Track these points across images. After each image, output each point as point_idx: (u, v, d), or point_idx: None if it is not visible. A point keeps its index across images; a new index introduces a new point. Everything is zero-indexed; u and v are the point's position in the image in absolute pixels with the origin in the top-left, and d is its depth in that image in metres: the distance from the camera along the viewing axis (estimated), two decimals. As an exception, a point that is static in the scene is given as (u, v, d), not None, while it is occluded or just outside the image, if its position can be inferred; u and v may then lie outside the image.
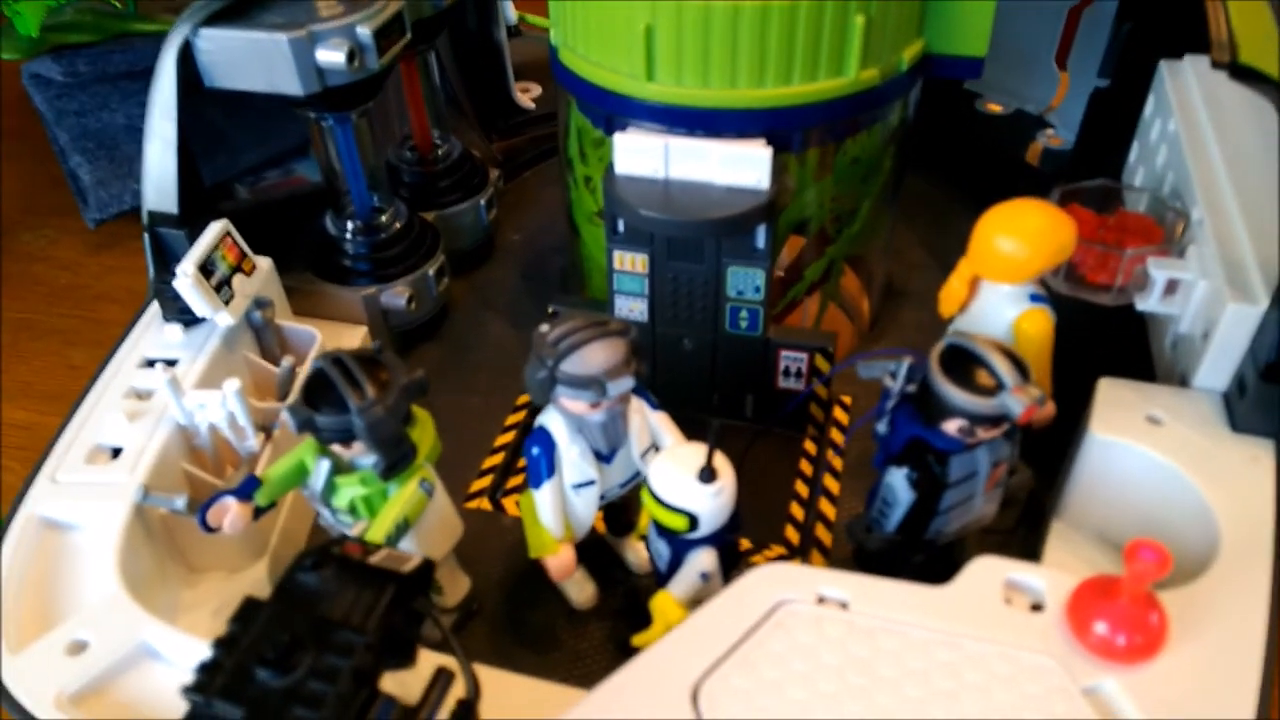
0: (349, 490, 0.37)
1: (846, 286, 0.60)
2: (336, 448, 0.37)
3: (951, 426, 0.36)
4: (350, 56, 0.47)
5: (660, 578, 0.40)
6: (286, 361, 0.48)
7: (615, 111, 0.50)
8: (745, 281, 0.50)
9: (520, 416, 0.56)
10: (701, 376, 0.55)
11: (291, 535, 0.47)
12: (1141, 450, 0.41)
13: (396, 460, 0.37)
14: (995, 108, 0.77)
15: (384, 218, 0.58)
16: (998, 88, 0.77)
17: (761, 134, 0.47)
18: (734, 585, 0.36)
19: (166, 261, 0.51)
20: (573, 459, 0.39)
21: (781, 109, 0.47)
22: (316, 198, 0.64)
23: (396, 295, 0.57)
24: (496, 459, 0.53)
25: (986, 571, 0.36)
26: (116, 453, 0.43)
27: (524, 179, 0.77)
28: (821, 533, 0.49)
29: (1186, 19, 0.61)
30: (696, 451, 0.37)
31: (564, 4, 0.50)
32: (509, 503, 0.51)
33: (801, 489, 0.52)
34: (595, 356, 0.37)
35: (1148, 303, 0.46)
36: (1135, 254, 0.46)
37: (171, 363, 0.46)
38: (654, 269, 0.51)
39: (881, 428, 0.39)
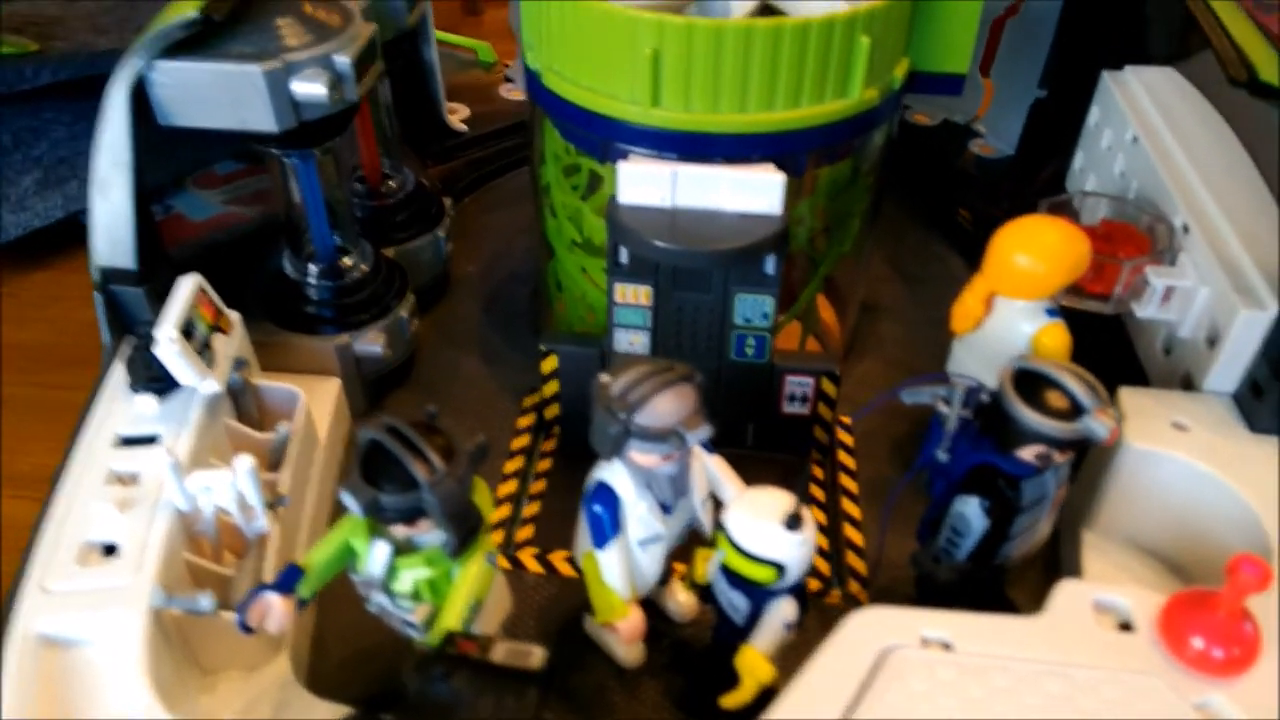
0: (412, 573, 0.34)
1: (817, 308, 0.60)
2: (399, 528, 0.33)
3: (1029, 453, 0.36)
4: (331, 88, 0.43)
5: (736, 632, 0.38)
6: (283, 427, 0.44)
7: (613, 139, 0.47)
8: (753, 309, 0.49)
9: (518, 464, 0.53)
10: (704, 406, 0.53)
11: (303, 623, 0.42)
12: (1175, 457, 0.42)
13: (466, 535, 0.33)
14: (923, 119, 0.79)
15: (349, 259, 0.53)
16: (924, 99, 0.79)
17: (769, 158, 0.46)
18: (836, 635, 0.34)
19: (123, 323, 0.46)
20: (640, 514, 0.37)
21: (789, 132, 0.46)
22: (256, 237, 0.59)
23: (370, 342, 0.53)
24: (503, 511, 0.50)
25: (1073, 596, 0.36)
26: (109, 550, 0.37)
27: (463, 205, 0.74)
28: (853, 560, 0.48)
29: (1120, 32, 0.64)
30: (773, 498, 0.36)
31: (549, 27, 0.47)
32: (525, 557, 0.48)
33: (819, 515, 0.51)
34: (668, 406, 0.35)
35: (1146, 310, 0.48)
36: (1135, 264, 0.47)
37: (151, 439, 0.41)
38: (658, 300, 0.49)
39: (942, 455, 0.39)
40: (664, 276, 0.48)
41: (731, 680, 0.41)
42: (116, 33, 0.96)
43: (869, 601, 0.46)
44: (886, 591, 0.46)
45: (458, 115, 0.77)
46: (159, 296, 0.46)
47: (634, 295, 0.49)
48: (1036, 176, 0.71)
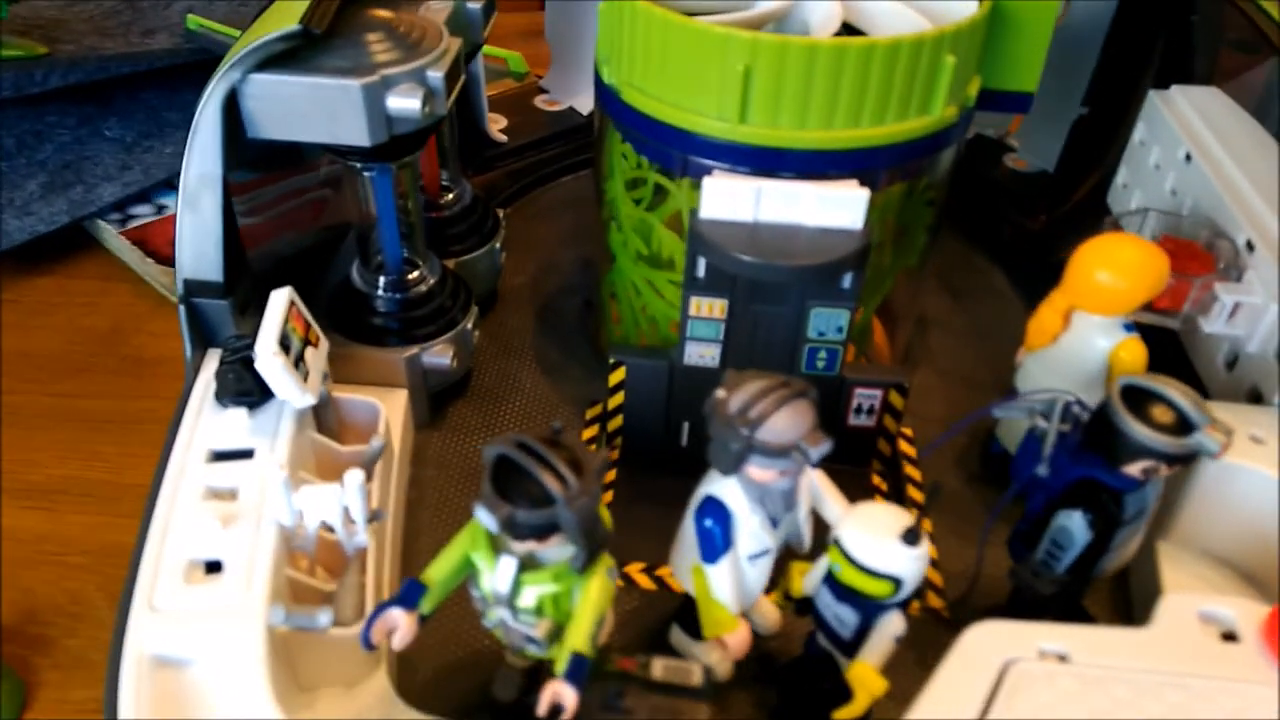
0: (537, 588, 0.34)
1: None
2: (529, 543, 0.33)
3: (1136, 468, 0.37)
4: (424, 102, 0.43)
5: (840, 645, 0.38)
6: (376, 441, 0.43)
7: (694, 154, 0.48)
8: (828, 322, 0.49)
9: (588, 475, 0.53)
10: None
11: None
12: (1254, 470, 0.43)
13: (595, 550, 0.33)
14: (956, 132, 0.80)
15: (417, 272, 0.53)
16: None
17: (850, 174, 0.47)
18: (955, 650, 0.35)
19: (205, 336, 0.45)
20: (752, 529, 0.37)
21: (873, 149, 0.47)
22: (319, 248, 0.59)
23: (439, 354, 0.52)
24: (579, 524, 0.50)
25: (1181, 607, 0.37)
26: (211, 566, 0.37)
27: (506, 216, 0.73)
28: (930, 574, 0.48)
29: (1164, 51, 0.65)
30: (887, 512, 0.36)
31: (632, 43, 0.48)
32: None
33: (891, 527, 0.51)
34: (789, 421, 0.35)
35: (1214, 325, 0.49)
36: (1204, 280, 0.48)
37: (247, 453, 0.41)
38: (733, 313, 0.49)
39: (1042, 470, 0.40)
40: (741, 290, 0.48)
41: (824, 692, 0.42)
42: (122, 36, 0.96)
43: (947, 613, 0.47)
44: (961, 604, 0.47)
45: (496, 125, 0.77)
46: (240, 309, 0.46)
47: (709, 309, 0.50)
48: (1075, 191, 0.72)
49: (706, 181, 0.46)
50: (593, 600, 0.34)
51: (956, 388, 0.61)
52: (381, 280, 0.52)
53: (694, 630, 0.44)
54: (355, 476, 0.37)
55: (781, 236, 0.46)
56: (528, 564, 0.34)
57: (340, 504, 0.38)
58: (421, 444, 0.54)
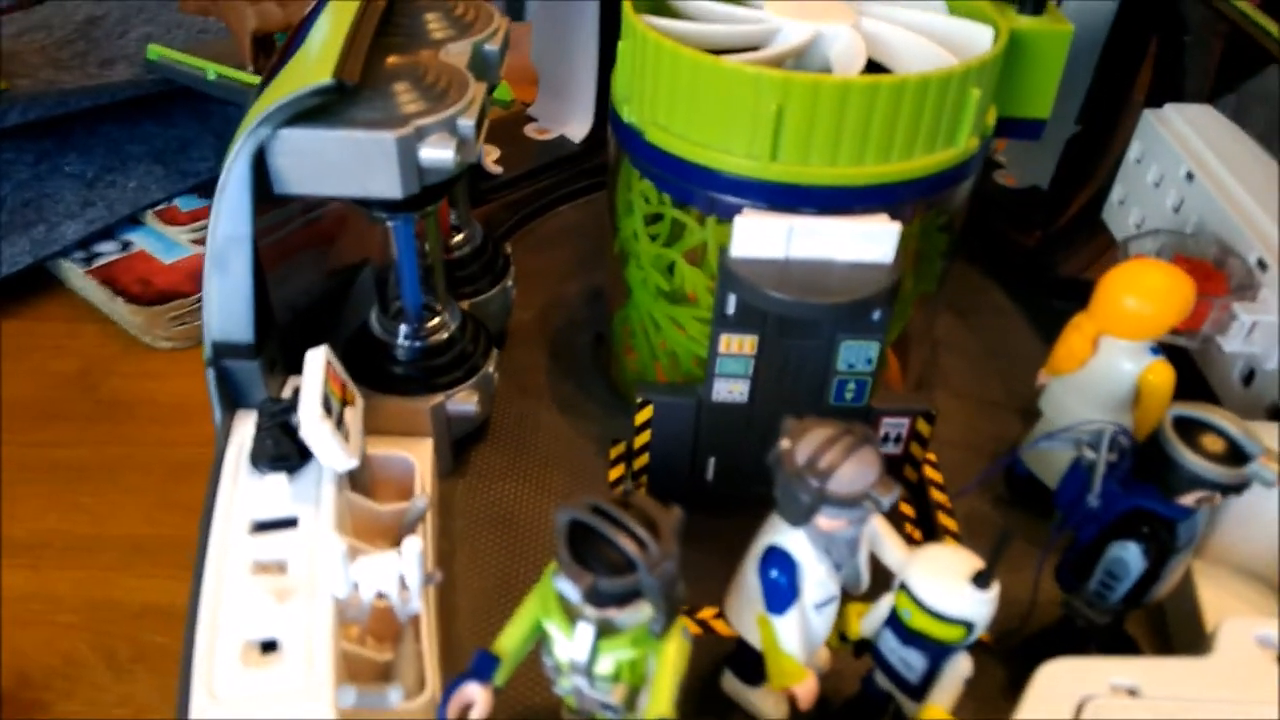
0: (615, 654, 0.33)
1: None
2: (609, 610, 0.32)
3: (1191, 498, 0.37)
4: (456, 151, 0.42)
5: (909, 689, 0.38)
6: (421, 501, 0.42)
7: (725, 193, 0.48)
8: (858, 355, 0.50)
9: (621, 516, 0.52)
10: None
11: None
12: (1288, 487, 0.44)
13: (674, 612, 0.33)
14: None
15: (438, 318, 0.52)
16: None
17: (881, 208, 0.47)
18: (1032, 688, 0.35)
19: (233, 398, 0.44)
20: (819, 578, 0.37)
21: (902, 183, 0.47)
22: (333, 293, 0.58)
23: (464, 401, 0.52)
24: (618, 569, 0.50)
25: (1237, 633, 0.37)
26: (266, 646, 0.36)
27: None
28: (971, 600, 0.49)
29: (1156, 70, 0.67)
30: (954, 555, 0.36)
31: (656, 83, 0.47)
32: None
33: (923, 554, 0.51)
34: (858, 470, 0.35)
35: (1233, 344, 0.50)
36: (1223, 301, 0.49)
37: (291, 522, 0.40)
38: (763, 349, 0.49)
39: (1093, 500, 0.40)
40: (771, 325, 0.48)
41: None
42: (79, 68, 0.93)
43: (992, 642, 0.47)
44: (1006, 633, 0.47)
45: (491, 157, 0.76)
46: (269, 368, 0.44)
47: (739, 345, 0.49)
48: (1068, 207, 0.73)
49: (738, 220, 0.46)
50: (672, 663, 0.34)
51: (972, 409, 0.61)
52: (403, 328, 0.51)
53: (747, 675, 0.44)
54: (414, 545, 0.36)
55: (813, 273, 0.46)
56: (604, 630, 0.33)
57: (397, 572, 0.37)
58: (447, 493, 0.53)
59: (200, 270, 0.68)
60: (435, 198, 0.46)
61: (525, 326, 0.65)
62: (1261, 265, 0.51)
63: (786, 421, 0.37)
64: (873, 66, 0.50)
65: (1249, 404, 0.51)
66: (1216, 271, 0.53)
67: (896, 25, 0.50)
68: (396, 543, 0.43)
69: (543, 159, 0.78)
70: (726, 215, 0.48)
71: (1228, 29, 0.59)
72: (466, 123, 0.43)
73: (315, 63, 0.41)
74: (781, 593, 0.37)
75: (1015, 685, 0.42)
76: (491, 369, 0.54)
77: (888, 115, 0.44)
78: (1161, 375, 0.47)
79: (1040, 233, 0.74)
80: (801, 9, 0.51)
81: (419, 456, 0.49)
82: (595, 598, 0.32)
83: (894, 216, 0.47)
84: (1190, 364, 0.56)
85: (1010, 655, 0.46)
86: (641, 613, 0.33)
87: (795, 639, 0.38)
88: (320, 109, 0.41)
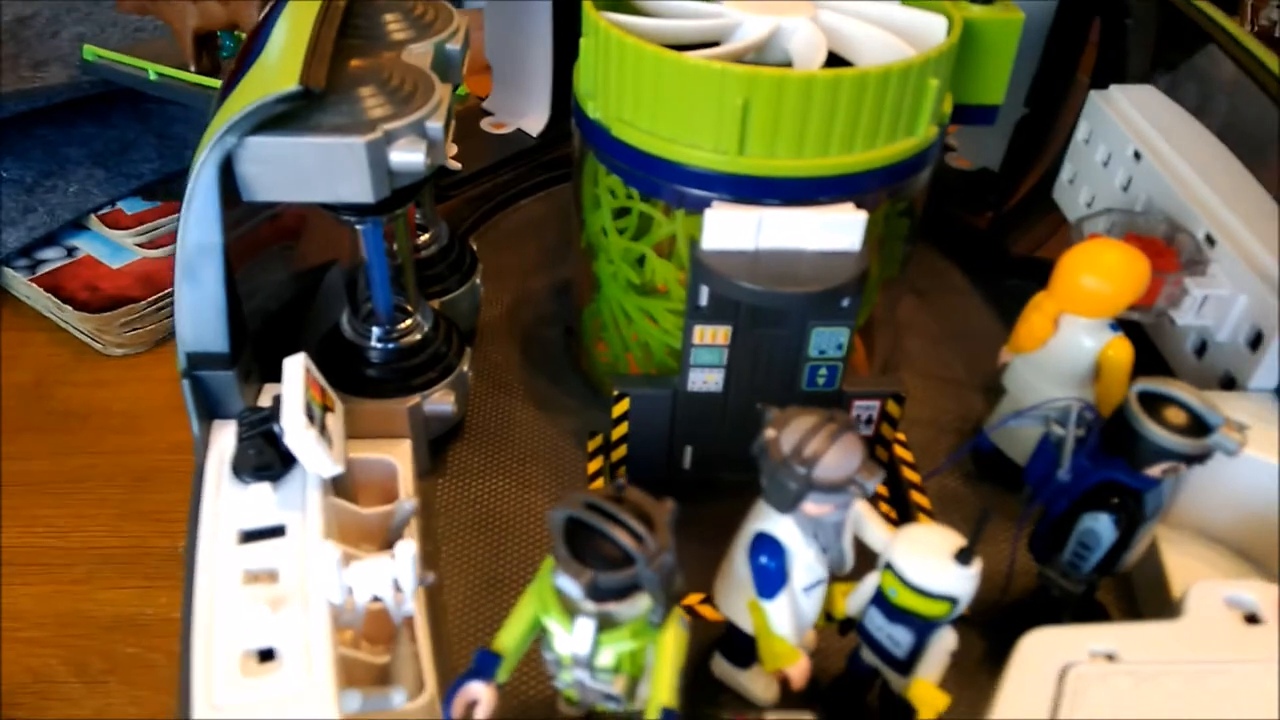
0: (615, 646, 0.34)
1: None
2: (609, 604, 0.33)
3: (1158, 469, 0.39)
4: (426, 154, 0.42)
5: (896, 664, 0.39)
6: (410, 503, 0.43)
7: (693, 186, 0.48)
8: (829, 340, 0.51)
9: (602, 510, 0.53)
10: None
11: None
12: (1246, 454, 0.46)
13: (671, 603, 0.34)
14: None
15: (410, 320, 0.52)
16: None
17: (847, 197, 0.48)
18: (1015, 659, 0.36)
19: (209, 409, 0.44)
20: (808, 561, 0.38)
21: (865, 172, 0.48)
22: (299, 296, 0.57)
23: (440, 401, 0.52)
24: (602, 561, 0.50)
25: (1207, 595, 0.39)
26: (264, 655, 0.36)
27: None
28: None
29: (1099, 53, 0.69)
30: (935, 534, 0.37)
31: (621, 79, 0.48)
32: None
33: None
34: (843, 456, 0.36)
35: (1186, 318, 0.52)
36: (1176, 277, 0.51)
37: (278, 530, 0.39)
38: (736, 338, 0.50)
39: (1064, 475, 0.41)
40: (744, 316, 0.49)
41: (872, 708, 0.43)
42: (11, 70, 0.90)
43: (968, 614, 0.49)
44: (989, 607, 0.48)
45: (449, 152, 0.75)
46: (244, 377, 0.44)
47: (712, 336, 0.50)
48: (1019, 188, 0.75)
49: (708, 214, 0.46)
50: (671, 652, 0.34)
51: (936, 388, 0.63)
52: (375, 331, 0.51)
53: (737, 659, 0.45)
54: (408, 548, 0.36)
55: (784, 263, 0.47)
56: (604, 623, 0.34)
57: (391, 576, 0.37)
58: (427, 493, 0.53)
59: (149, 273, 0.68)
60: (404, 200, 0.46)
61: (494, 323, 0.65)
62: (1209, 240, 0.53)
63: (769, 411, 0.38)
64: (832, 58, 0.51)
65: (1202, 374, 0.53)
66: (1167, 248, 0.54)
67: (853, 18, 0.51)
68: (382, 546, 0.44)
69: (501, 153, 0.78)
70: (695, 208, 0.49)
71: (1165, 10, 0.61)
72: (435, 125, 0.43)
73: (279, 68, 0.41)
74: (772, 578, 0.38)
75: (993, 656, 0.44)
76: (466, 368, 0.54)
77: (851, 107, 0.45)
78: (1121, 350, 0.48)
79: (993, 213, 0.75)
80: (758, 3, 0.52)
81: (400, 458, 0.49)
82: (595, 593, 0.32)
83: (859, 205, 0.48)
84: (1144, 338, 0.58)
85: (988, 627, 0.47)
86: (639, 605, 0.34)
87: (786, 622, 0.39)
88: (286, 115, 0.40)
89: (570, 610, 0.34)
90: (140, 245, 0.72)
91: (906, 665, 0.39)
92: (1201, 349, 0.54)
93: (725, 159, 0.46)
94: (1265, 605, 0.38)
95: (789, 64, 0.50)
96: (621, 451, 0.55)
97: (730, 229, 0.47)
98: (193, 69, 0.78)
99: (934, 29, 0.51)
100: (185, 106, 0.81)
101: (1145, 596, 0.48)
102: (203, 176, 0.40)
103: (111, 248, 0.73)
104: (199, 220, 0.40)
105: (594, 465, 0.56)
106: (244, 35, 0.77)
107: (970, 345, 0.66)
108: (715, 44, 0.50)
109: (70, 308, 0.65)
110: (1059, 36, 0.68)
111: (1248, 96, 0.56)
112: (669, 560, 0.32)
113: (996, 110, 0.55)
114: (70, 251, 0.72)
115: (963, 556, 0.36)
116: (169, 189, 0.77)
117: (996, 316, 0.69)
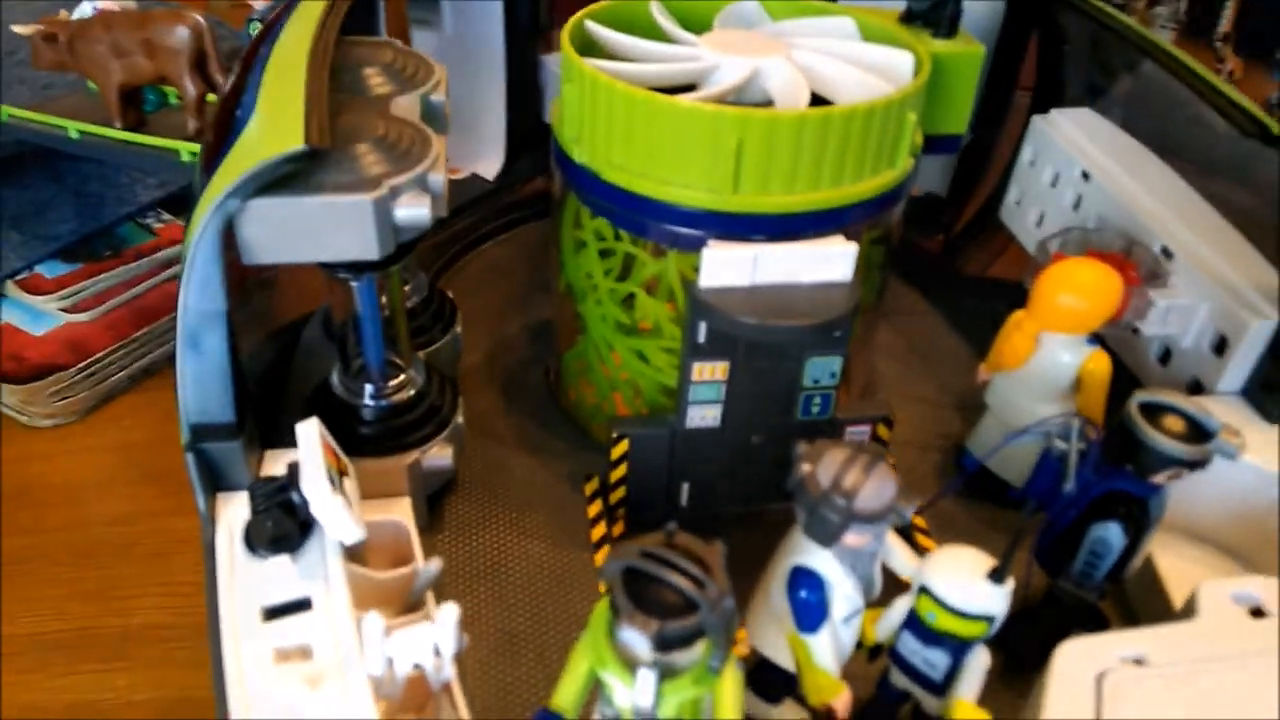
0: (678, 695, 0.33)
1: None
2: (671, 654, 0.33)
3: (1162, 476, 0.41)
4: (430, 208, 0.42)
5: (932, 687, 0.40)
6: (434, 564, 0.41)
7: (687, 226, 0.49)
8: (822, 370, 0.52)
9: (604, 555, 0.53)
10: (766, 468, 0.55)
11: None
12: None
13: (730, 647, 0.34)
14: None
15: (403, 374, 0.51)
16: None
17: (835, 230, 0.49)
18: (1053, 671, 0.37)
19: (214, 481, 0.42)
20: (846, 592, 0.39)
21: (851, 205, 0.49)
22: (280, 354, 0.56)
23: (439, 456, 0.51)
24: (616, 605, 0.50)
25: (1216, 593, 0.41)
26: (306, 735, 0.34)
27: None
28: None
29: (1038, 78, 0.72)
30: (966, 554, 0.38)
31: (610, 124, 0.48)
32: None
33: (900, 554, 0.54)
34: (880, 486, 0.37)
35: (1152, 328, 0.54)
36: (1140, 290, 0.54)
37: (304, 604, 0.38)
38: (733, 373, 0.51)
39: (1070, 487, 0.43)
40: (741, 350, 0.50)
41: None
42: None
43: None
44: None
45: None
46: (248, 446, 0.43)
47: (711, 372, 0.51)
48: (965, 211, 0.78)
49: (706, 252, 0.47)
50: (733, 696, 0.34)
51: (913, 408, 0.64)
52: (368, 388, 0.50)
53: (765, 693, 0.45)
54: (451, 612, 0.36)
55: (780, 296, 0.48)
56: (665, 672, 0.34)
57: (432, 642, 0.36)
58: (427, 549, 0.52)
59: (75, 339, 0.65)
60: (402, 255, 0.46)
61: (475, 370, 0.65)
62: (1166, 253, 0.56)
63: (799, 445, 0.39)
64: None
65: (1168, 381, 0.56)
66: (1127, 262, 0.57)
67: (826, 56, 0.53)
68: (400, 610, 0.43)
69: (459, 199, 0.77)
70: (688, 247, 0.49)
71: (1099, 34, 0.65)
72: (437, 178, 0.42)
73: (276, 128, 0.40)
74: (813, 611, 0.38)
75: (1010, 669, 0.45)
76: (460, 419, 0.53)
77: (839, 143, 0.46)
78: (1100, 364, 0.51)
79: (943, 236, 0.78)
80: (730, 44, 0.53)
81: (405, 517, 0.48)
82: (662, 643, 0.32)
83: (846, 237, 0.49)
84: (1108, 349, 0.60)
85: (997, 640, 0.48)
86: (698, 651, 0.34)
87: (829, 655, 0.39)
88: (288, 176, 0.40)
89: (628, 662, 0.34)
90: (64, 310, 0.68)
91: (942, 687, 0.40)
92: (1165, 356, 0.56)
93: (719, 198, 0.47)
94: (1268, 598, 0.41)
95: (769, 103, 0.51)
96: (620, 493, 0.55)
97: (727, 266, 0.47)
98: (118, 124, 0.75)
99: (902, 64, 0.53)
100: (101, 163, 0.78)
101: (1141, 601, 0.50)
102: (204, 243, 0.39)
103: (33, 314, 0.69)
104: (201, 288, 0.39)
105: (594, 509, 0.56)
106: (169, 89, 0.75)
107: (940, 365, 0.68)
108: (693, 87, 0.51)
109: None
110: (998, 64, 0.71)
111: (1182, 112, 0.60)
112: (729, 604, 0.32)
113: (959, 139, 0.57)
114: None
115: (996, 575, 0.37)
116: (90, 250, 0.74)
117: (957, 335, 0.71)
